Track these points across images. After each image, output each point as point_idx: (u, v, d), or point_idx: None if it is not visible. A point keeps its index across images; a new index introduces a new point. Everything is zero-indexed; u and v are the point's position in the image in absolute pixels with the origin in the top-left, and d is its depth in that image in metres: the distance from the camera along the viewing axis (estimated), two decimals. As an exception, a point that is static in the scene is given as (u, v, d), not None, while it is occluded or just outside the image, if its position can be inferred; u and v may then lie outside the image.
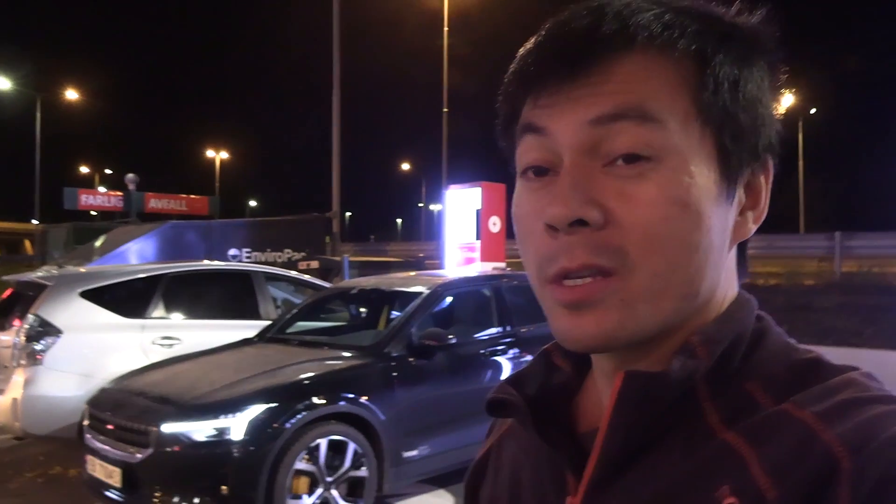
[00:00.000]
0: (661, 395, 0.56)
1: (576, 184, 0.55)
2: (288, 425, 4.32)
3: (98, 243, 14.19)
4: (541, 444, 0.62)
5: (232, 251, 14.49)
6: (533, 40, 0.60)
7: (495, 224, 10.36)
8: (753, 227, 0.61)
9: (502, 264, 10.21)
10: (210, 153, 65.15)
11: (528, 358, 4.82)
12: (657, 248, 0.55)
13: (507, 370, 5.63)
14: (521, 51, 0.61)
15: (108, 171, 67.13)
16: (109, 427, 4.55)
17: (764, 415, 0.53)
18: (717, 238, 0.57)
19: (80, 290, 6.24)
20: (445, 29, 30.16)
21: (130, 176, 21.50)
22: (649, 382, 0.55)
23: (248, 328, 6.33)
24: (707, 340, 0.57)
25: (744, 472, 0.51)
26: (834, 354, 0.59)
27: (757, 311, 0.62)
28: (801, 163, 40.68)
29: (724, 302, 0.61)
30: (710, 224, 0.56)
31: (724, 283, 0.61)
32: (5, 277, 7.28)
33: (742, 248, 0.64)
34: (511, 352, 5.66)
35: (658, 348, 0.59)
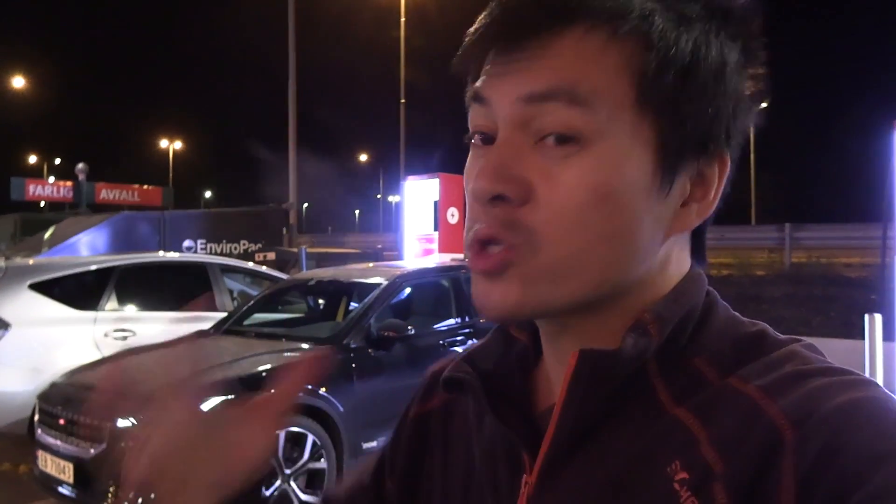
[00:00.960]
0: (615, 374, 0.56)
1: (502, 160, 0.55)
2: (245, 418, 4.27)
3: (47, 235, 13.84)
4: (496, 422, 0.62)
5: (187, 243, 14.27)
6: (486, 9, 0.59)
7: (453, 215, 10.38)
8: (696, 221, 0.59)
9: (461, 255, 10.24)
10: (164, 143, 64.06)
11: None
12: (567, 232, 0.54)
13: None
14: (481, 14, 0.60)
15: (57, 161, 65.57)
16: (61, 422, 4.46)
17: (711, 390, 0.54)
18: (645, 230, 0.56)
19: (29, 282, 6.10)
20: (402, 19, 30.06)
21: (81, 166, 21.01)
22: (603, 360, 0.55)
23: (204, 320, 6.25)
24: (658, 318, 0.57)
25: (693, 447, 0.52)
26: (793, 336, 0.60)
27: (705, 288, 0.61)
28: (752, 155, 41.53)
29: (670, 281, 0.60)
30: (635, 216, 0.55)
31: (666, 266, 0.60)
32: (-50, 270, 7.06)
33: (698, 235, 0.63)
34: (469, 342, 5.67)
35: (602, 325, 0.58)
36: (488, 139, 0.58)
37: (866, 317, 6.67)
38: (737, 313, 0.61)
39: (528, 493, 0.59)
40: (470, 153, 0.61)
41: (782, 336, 0.58)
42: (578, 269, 0.55)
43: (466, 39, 0.60)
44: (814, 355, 0.55)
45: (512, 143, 0.56)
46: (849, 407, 0.48)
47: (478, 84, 0.59)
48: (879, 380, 6.63)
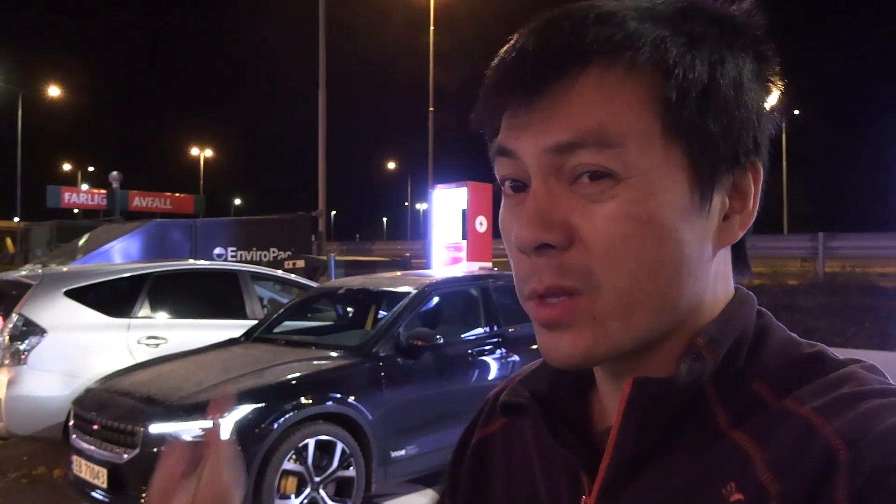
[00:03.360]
0: (670, 400, 0.56)
1: (540, 207, 0.56)
2: (275, 425, 4.31)
3: (81, 242, 14.08)
4: (555, 444, 0.63)
5: (217, 250, 14.42)
6: (497, 59, 0.59)
7: (482, 224, 10.38)
8: (740, 232, 0.59)
9: (489, 264, 10.22)
10: (195, 151, 64.83)
11: (515, 358, 4.81)
12: (620, 265, 0.55)
13: (494, 370, 5.64)
14: (491, 67, 0.60)
15: (91, 169, 66.65)
16: (95, 427, 4.52)
17: (768, 412, 0.54)
18: (693, 249, 0.56)
19: (64, 289, 6.20)
20: (431, 27, 30.16)
21: (114, 174, 21.35)
22: (658, 388, 0.56)
23: (234, 328, 6.30)
24: (711, 341, 0.57)
25: (749, 469, 0.52)
26: (853, 356, 0.59)
27: (755, 308, 0.62)
28: (784, 164, 41.01)
29: (718, 302, 0.60)
30: (679, 237, 0.55)
31: (718, 286, 0.60)
32: (-12, 276, 7.21)
33: (739, 247, 0.63)
34: (498, 352, 5.68)
35: (656, 354, 0.59)
36: (519, 186, 0.59)
37: (902, 328, 6.55)
38: (793, 334, 0.61)
39: None
40: (503, 202, 0.62)
41: (841, 357, 0.58)
42: (642, 300, 0.56)
43: (482, 92, 0.60)
44: (873, 376, 0.55)
45: (546, 189, 0.57)
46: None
47: (501, 139, 0.59)
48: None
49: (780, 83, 0.60)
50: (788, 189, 41.12)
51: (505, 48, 0.59)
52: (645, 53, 0.54)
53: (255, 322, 6.36)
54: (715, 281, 0.60)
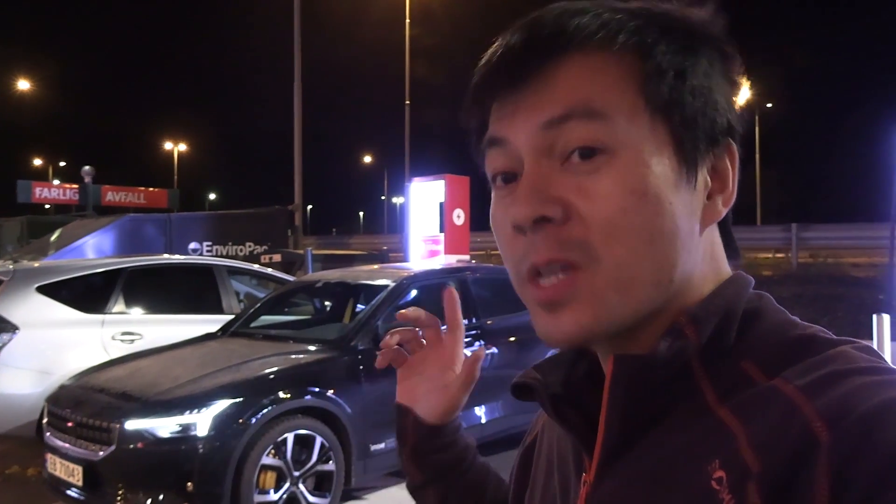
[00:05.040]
0: (652, 376, 0.57)
1: (535, 183, 0.58)
2: (254, 420, 4.28)
3: (54, 237, 13.89)
4: (561, 426, 0.66)
5: (192, 245, 14.29)
6: (484, 56, 0.62)
7: (459, 216, 10.37)
8: (723, 210, 0.62)
9: (466, 257, 10.23)
10: (168, 145, 64.19)
11: (494, 350, 4.84)
12: (619, 237, 0.56)
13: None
14: (477, 67, 0.63)
15: (62, 164, 65.73)
16: (70, 424, 4.46)
17: (754, 390, 0.55)
18: (683, 223, 0.58)
19: (36, 285, 6.11)
20: (407, 21, 30.07)
21: (87, 168, 21.07)
22: (638, 364, 0.57)
23: (210, 323, 6.26)
24: (694, 319, 0.58)
25: (733, 446, 0.53)
26: (849, 337, 0.59)
27: (753, 289, 0.63)
28: (757, 156, 41.43)
29: (708, 283, 0.62)
30: (672, 209, 0.57)
31: (706, 265, 0.62)
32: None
33: (725, 230, 0.66)
34: (476, 344, 5.68)
35: (645, 332, 0.60)
36: (510, 177, 0.61)
37: (874, 317, 6.65)
38: (794, 318, 0.61)
39: (586, 491, 0.63)
40: (493, 198, 0.64)
41: (836, 338, 0.58)
42: (640, 273, 0.57)
43: (471, 89, 0.63)
44: (862, 355, 0.55)
45: (540, 168, 0.59)
46: (883, 407, 0.48)
47: (491, 130, 0.62)
48: (888, 380, 6.59)
49: (743, 81, 0.63)
50: (762, 182, 41.56)
51: (490, 49, 0.62)
52: (623, 38, 0.58)
53: (232, 317, 6.32)
54: (705, 260, 0.62)
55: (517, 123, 0.60)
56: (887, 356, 6.72)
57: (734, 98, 0.62)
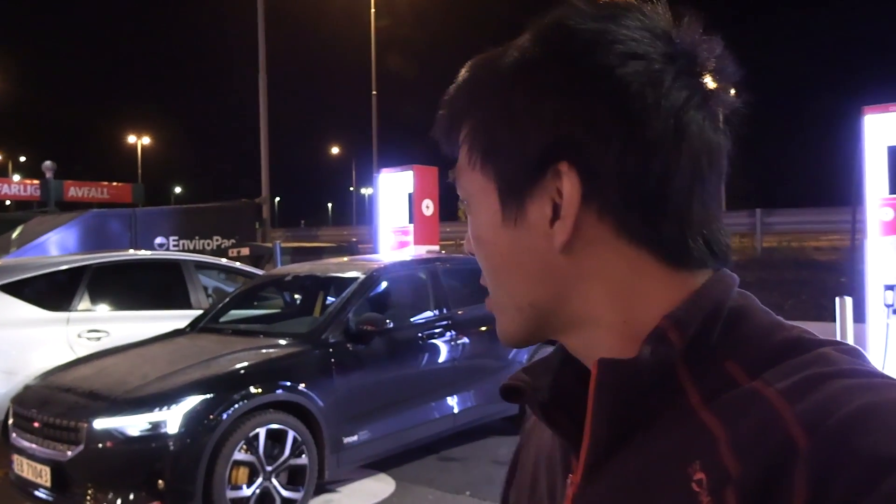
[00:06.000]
0: (637, 381, 0.58)
1: (468, 224, 0.70)
2: (225, 416, 4.25)
3: (15, 234, 13.61)
4: (549, 427, 0.68)
5: (158, 240, 14.11)
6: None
7: (428, 207, 10.36)
8: (560, 238, 0.61)
9: (436, 247, 10.22)
10: (132, 139, 63.19)
11: (465, 340, 4.88)
12: (485, 271, 0.68)
13: (444, 353, 5.67)
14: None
15: (22, 159, 64.37)
16: (36, 425, 4.39)
17: (737, 392, 0.55)
18: (519, 257, 0.64)
19: (-2, 283, 5.99)
20: (372, 10, 29.88)
21: (48, 163, 20.67)
22: (622, 369, 0.58)
23: (179, 318, 6.19)
24: (677, 323, 0.59)
25: (714, 449, 0.53)
26: (835, 339, 0.59)
27: (733, 290, 0.62)
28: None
29: (666, 292, 0.61)
30: (498, 249, 0.65)
31: (621, 276, 0.61)
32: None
33: (710, 236, 0.62)
34: (448, 334, 5.70)
35: (595, 334, 0.63)
36: None
37: (837, 299, 6.78)
38: (779, 318, 0.61)
39: (572, 493, 0.63)
40: None
41: (819, 339, 0.58)
42: (502, 300, 0.67)
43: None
44: (844, 357, 0.55)
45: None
46: (863, 412, 0.49)
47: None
48: (851, 361, 6.73)
49: (561, 97, 0.61)
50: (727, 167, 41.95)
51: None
52: (459, 111, 0.68)
53: (201, 312, 6.25)
54: (615, 274, 0.61)
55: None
56: (849, 338, 6.87)
57: (573, 108, 0.60)
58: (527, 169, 0.62)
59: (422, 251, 9.41)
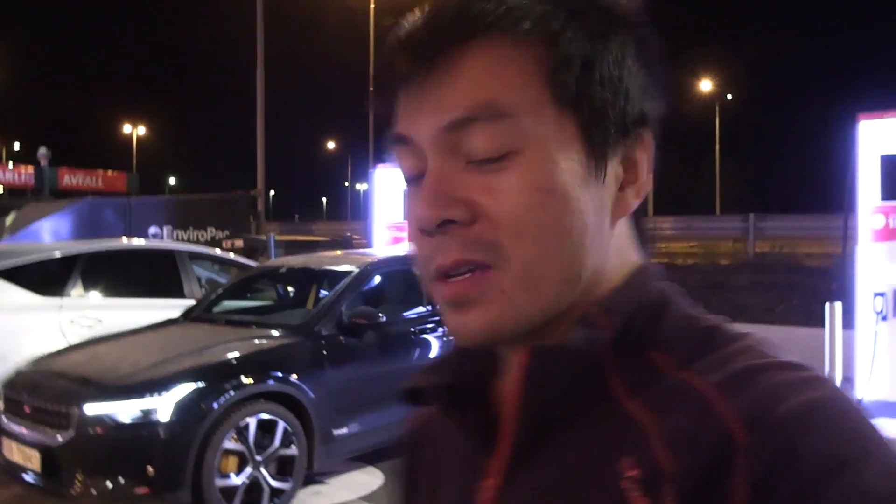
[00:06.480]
0: (567, 367, 0.55)
1: (439, 185, 0.55)
2: (216, 405, 4.27)
3: (9, 221, 13.59)
4: (456, 430, 0.62)
5: (153, 230, 14.09)
6: (387, 42, 0.59)
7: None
8: (635, 202, 0.60)
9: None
10: (127, 128, 63.01)
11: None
12: (527, 237, 0.54)
13: (435, 348, 5.69)
14: (382, 50, 0.60)
15: (17, 146, 64.09)
16: (27, 409, 4.40)
17: (666, 384, 0.53)
18: (592, 218, 0.56)
19: (-8, 268, 5.99)
20: (372, 5, 29.85)
21: (43, 150, 20.64)
22: (554, 355, 0.55)
23: (172, 308, 6.20)
24: (607, 310, 0.56)
25: (645, 443, 0.51)
26: (747, 330, 0.59)
27: (658, 280, 0.61)
28: (717, 146, 42.03)
29: (618, 274, 0.60)
30: (580, 206, 0.56)
31: (616, 258, 0.60)
32: None
33: (637, 218, 0.63)
34: (440, 330, 5.72)
35: (553, 330, 0.57)
36: (419, 177, 0.58)
37: (827, 305, 6.82)
38: (699, 308, 0.60)
39: (491, 496, 0.58)
40: (408, 198, 0.61)
41: (737, 330, 0.57)
42: (549, 271, 0.55)
43: (375, 77, 0.61)
44: (769, 349, 0.54)
45: (443, 168, 0.56)
46: (805, 409, 0.47)
47: (397, 127, 0.59)
48: (838, 366, 6.80)
49: (661, 65, 0.61)
50: (721, 171, 42.19)
51: (394, 33, 0.59)
52: (527, 24, 0.55)
53: (194, 302, 6.26)
54: (615, 252, 0.60)
55: (421, 122, 0.57)
56: (839, 343, 6.91)
57: (651, 83, 0.59)
58: (622, 126, 0.57)
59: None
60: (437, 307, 0.59)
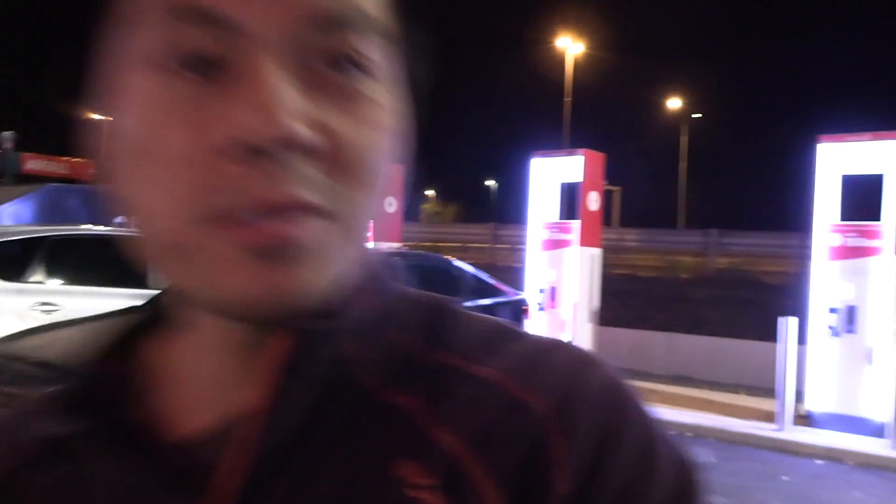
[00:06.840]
0: (315, 361, 0.44)
1: (290, 92, 0.39)
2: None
3: (-32, 204, 13.33)
4: (128, 472, 0.44)
5: (118, 218, 13.90)
6: None
7: (391, 204, 10.40)
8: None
9: (398, 244, 10.29)
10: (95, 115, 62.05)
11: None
12: (371, 186, 0.43)
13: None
14: None
15: (-21, 128, 62.79)
16: (-16, 392, 4.35)
17: (427, 370, 0.45)
18: None
19: (-49, 249, 5.90)
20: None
21: (7, 134, 20.24)
22: (326, 340, 0.44)
23: (134, 297, 6.15)
24: (348, 301, 0.45)
25: (424, 440, 0.43)
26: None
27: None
28: (683, 164, 42.65)
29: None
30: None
31: None
32: None
33: None
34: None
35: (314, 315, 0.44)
36: (204, 63, 0.40)
37: (780, 320, 7.01)
38: (420, 291, 0.53)
39: None
40: (144, 82, 0.41)
41: (473, 312, 0.51)
42: (362, 232, 0.45)
43: None
44: (520, 328, 0.50)
45: (295, 75, 0.40)
46: (605, 386, 0.45)
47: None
48: (791, 378, 6.98)
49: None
50: (687, 187, 42.83)
51: None
52: None
53: (159, 292, 6.21)
54: None
55: (262, 4, 0.39)
56: (793, 357, 7.11)
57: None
58: None
59: (383, 248, 9.47)
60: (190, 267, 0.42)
